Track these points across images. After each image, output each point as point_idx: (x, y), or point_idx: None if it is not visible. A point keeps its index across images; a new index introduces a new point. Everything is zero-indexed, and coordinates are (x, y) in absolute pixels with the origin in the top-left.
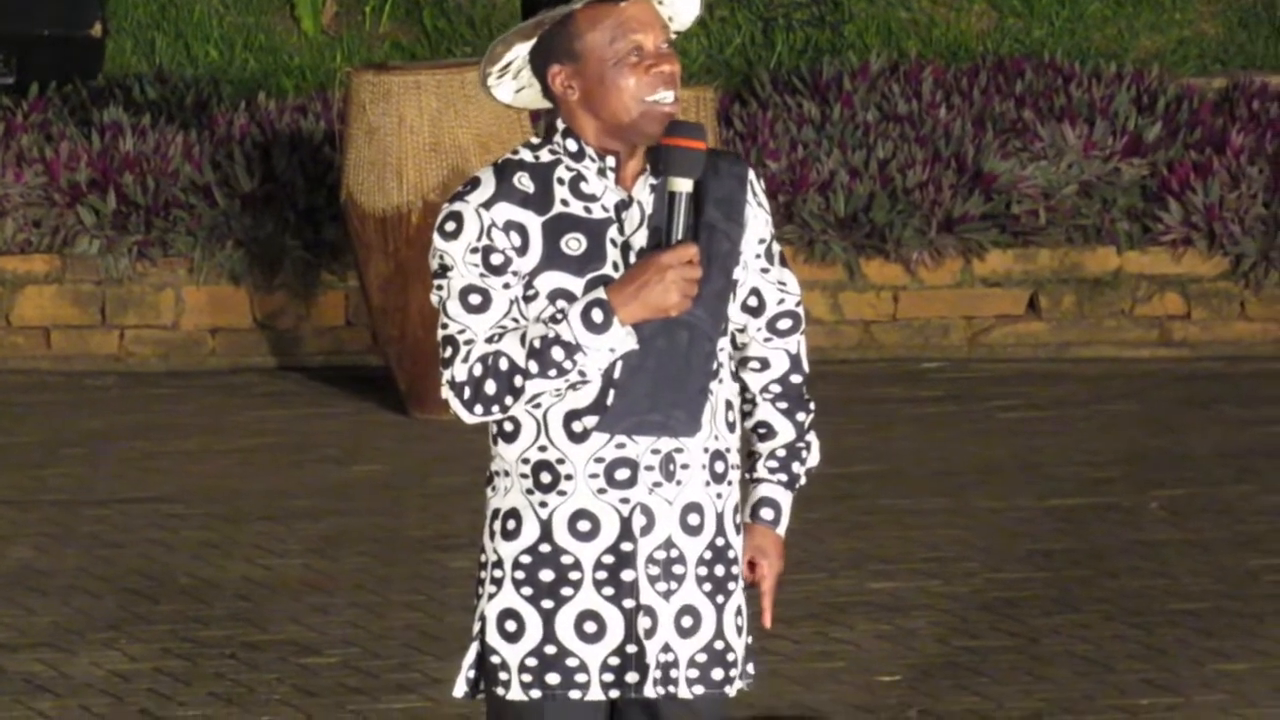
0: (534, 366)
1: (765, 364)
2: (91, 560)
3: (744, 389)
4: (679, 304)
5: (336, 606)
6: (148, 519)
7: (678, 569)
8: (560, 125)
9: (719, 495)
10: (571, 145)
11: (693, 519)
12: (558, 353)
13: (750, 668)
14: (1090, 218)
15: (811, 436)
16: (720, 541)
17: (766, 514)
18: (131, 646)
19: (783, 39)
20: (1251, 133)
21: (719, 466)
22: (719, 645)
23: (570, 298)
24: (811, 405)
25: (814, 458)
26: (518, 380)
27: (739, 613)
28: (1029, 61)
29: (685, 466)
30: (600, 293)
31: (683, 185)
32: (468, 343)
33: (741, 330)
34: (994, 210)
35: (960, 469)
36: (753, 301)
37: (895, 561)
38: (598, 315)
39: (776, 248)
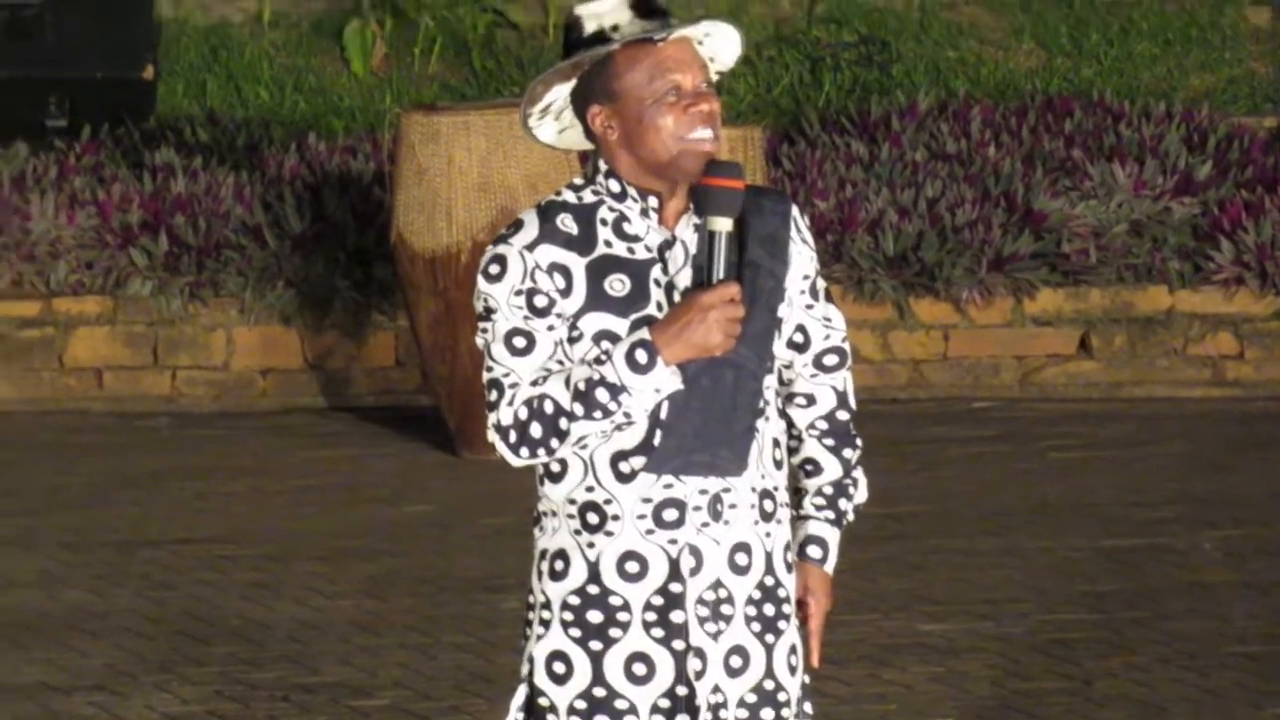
0: (579, 409)
1: (811, 400)
2: (143, 602)
3: (790, 425)
4: (722, 343)
5: (387, 648)
6: (199, 560)
7: (726, 609)
8: (602, 166)
9: (768, 534)
10: (614, 186)
11: (741, 558)
12: (603, 394)
13: (808, 707)
14: (1141, 257)
15: (859, 473)
16: (769, 580)
17: (814, 552)
18: (183, 688)
19: (831, 79)
20: None
21: (767, 505)
22: (769, 685)
23: (615, 339)
24: (858, 442)
25: (861, 494)
26: (563, 423)
27: (793, 651)
28: (1078, 100)
29: (733, 506)
30: (644, 333)
31: (722, 224)
32: (513, 386)
33: (788, 366)
34: (1044, 249)
35: (1012, 509)
36: (798, 338)
37: (947, 603)
38: (642, 356)
39: (821, 284)
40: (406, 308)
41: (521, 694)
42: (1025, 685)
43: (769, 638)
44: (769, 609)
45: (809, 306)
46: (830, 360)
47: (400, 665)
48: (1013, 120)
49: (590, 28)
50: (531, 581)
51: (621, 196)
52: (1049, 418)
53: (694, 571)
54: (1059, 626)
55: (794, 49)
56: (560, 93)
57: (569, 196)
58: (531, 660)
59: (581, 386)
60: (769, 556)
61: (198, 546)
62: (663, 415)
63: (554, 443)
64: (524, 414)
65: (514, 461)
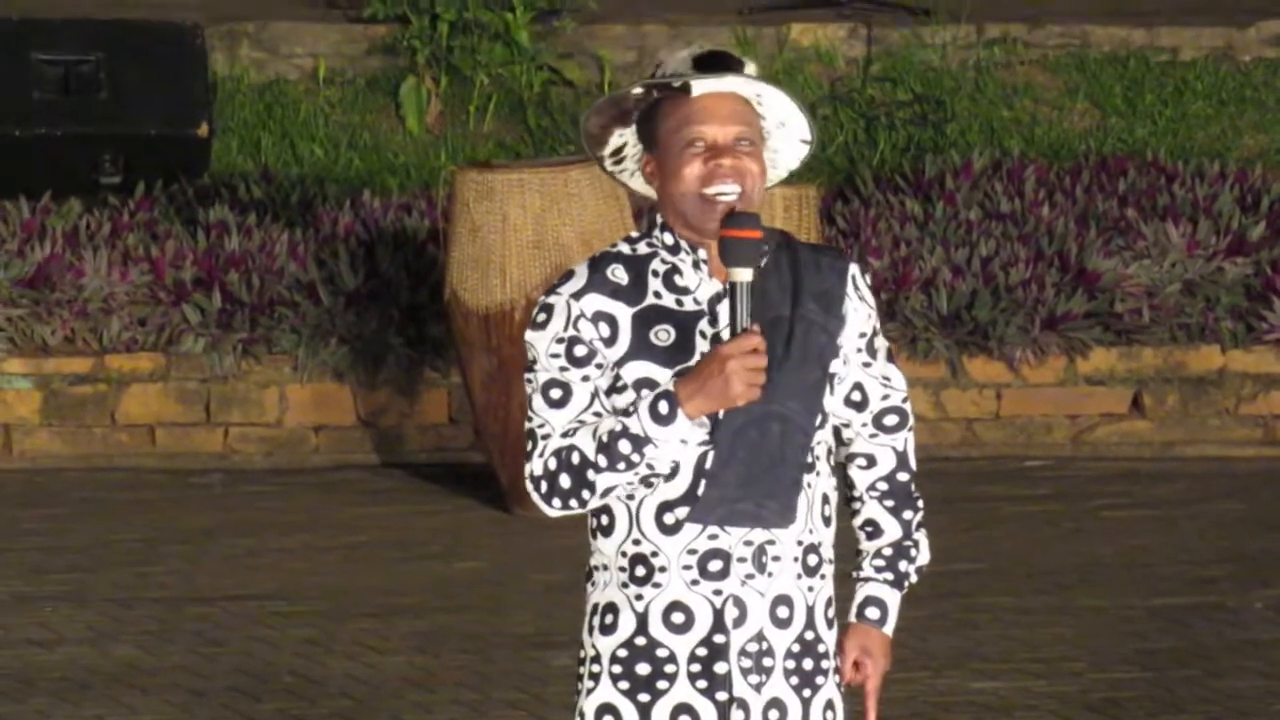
0: (603, 460)
1: (872, 461)
2: (195, 658)
3: (851, 486)
4: (744, 394)
5: (439, 704)
6: (251, 617)
7: (767, 661)
8: (658, 219)
9: (810, 588)
10: (668, 239)
11: (782, 611)
12: (625, 446)
13: None
14: (1194, 316)
15: (920, 535)
16: (810, 635)
17: (872, 613)
18: None
19: (885, 137)
20: None
21: (811, 560)
22: None
23: (654, 386)
24: (919, 503)
25: (924, 557)
26: (589, 474)
27: (829, 707)
28: (1132, 160)
29: (777, 559)
30: (669, 385)
31: (742, 275)
32: (544, 437)
33: (847, 426)
34: (1097, 308)
35: (1064, 568)
36: (856, 396)
37: (999, 661)
38: (664, 407)
39: (881, 343)
40: (460, 365)
41: None
42: None
43: (806, 692)
44: (808, 663)
45: (866, 365)
46: (890, 420)
47: None
48: (1067, 180)
49: (653, 72)
50: (583, 636)
51: (675, 249)
52: (1101, 476)
53: (738, 623)
54: (1110, 685)
55: (849, 107)
56: (628, 137)
57: (623, 248)
58: (582, 715)
59: (605, 438)
60: (810, 611)
61: (249, 603)
62: (708, 465)
63: (584, 494)
64: (553, 465)
65: (548, 512)
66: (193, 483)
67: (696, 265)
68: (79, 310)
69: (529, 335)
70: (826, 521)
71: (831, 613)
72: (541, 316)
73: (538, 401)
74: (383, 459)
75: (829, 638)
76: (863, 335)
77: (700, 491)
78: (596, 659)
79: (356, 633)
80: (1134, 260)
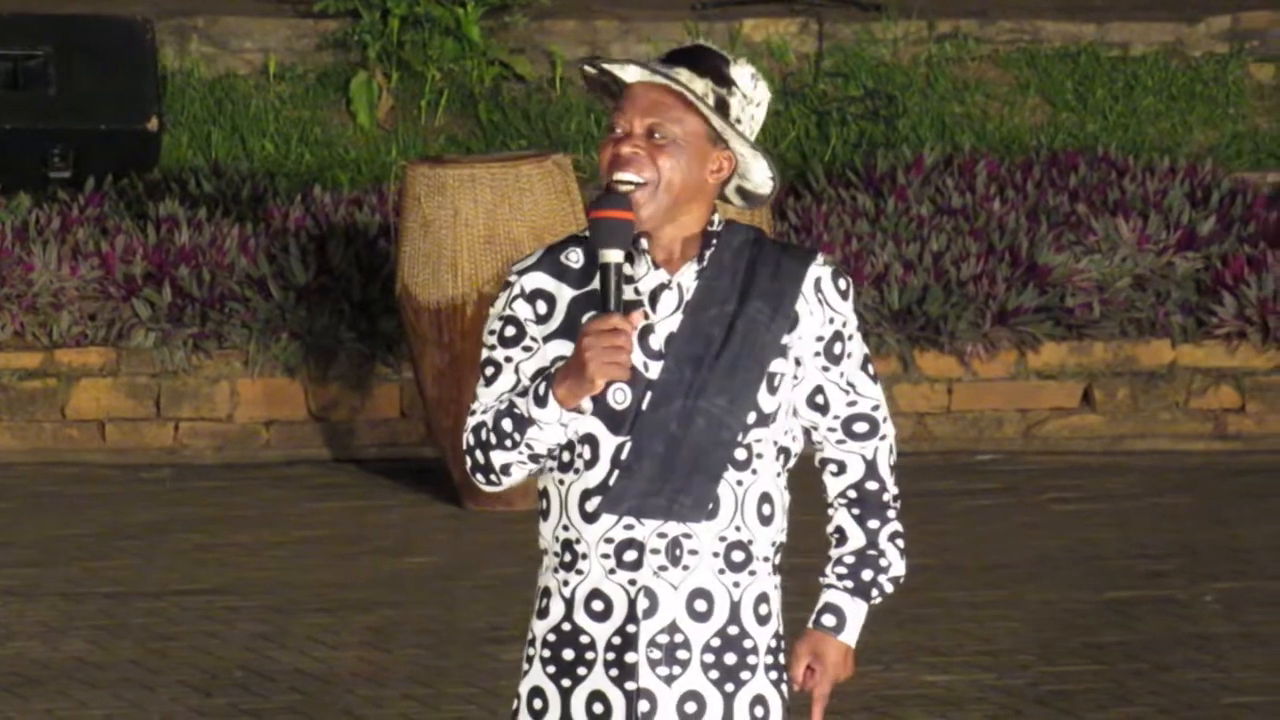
0: (493, 437)
1: (841, 468)
2: (145, 653)
3: (825, 492)
4: (600, 373)
5: (391, 699)
6: (202, 611)
7: (682, 654)
8: None
9: (735, 584)
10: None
11: (700, 605)
12: (508, 424)
13: None
14: (1144, 311)
15: (889, 545)
16: (733, 630)
17: (828, 620)
18: None
19: (837, 132)
20: None
21: (737, 556)
22: None
23: None
24: (891, 514)
25: (895, 568)
26: (491, 451)
27: (758, 702)
28: (1083, 155)
29: (694, 552)
30: (552, 368)
31: (612, 256)
32: (472, 413)
33: (815, 428)
34: (1048, 303)
35: (1014, 561)
36: (819, 399)
37: (949, 654)
38: (541, 389)
39: (850, 349)
40: (411, 360)
41: None
42: None
43: (729, 686)
44: (730, 658)
45: (825, 369)
46: (859, 428)
47: (404, 716)
48: (1018, 175)
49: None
50: (530, 618)
51: (634, 240)
52: (1051, 470)
53: (648, 613)
54: (1060, 678)
55: (800, 103)
56: None
57: (587, 233)
58: (518, 697)
59: (496, 416)
60: (735, 606)
61: (200, 598)
62: (623, 456)
63: (489, 471)
64: (471, 440)
65: (483, 486)
66: (143, 478)
67: (642, 254)
68: (28, 305)
69: (491, 314)
70: (765, 520)
71: (765, 609)
72: (499, 294)
73: (480, 380)
74: (334, 454)
75: (760, 634)
76: (820, 339)
77: (612, 482)
78: (533, 642)
79: (308, 627)
80: (1085, 255)
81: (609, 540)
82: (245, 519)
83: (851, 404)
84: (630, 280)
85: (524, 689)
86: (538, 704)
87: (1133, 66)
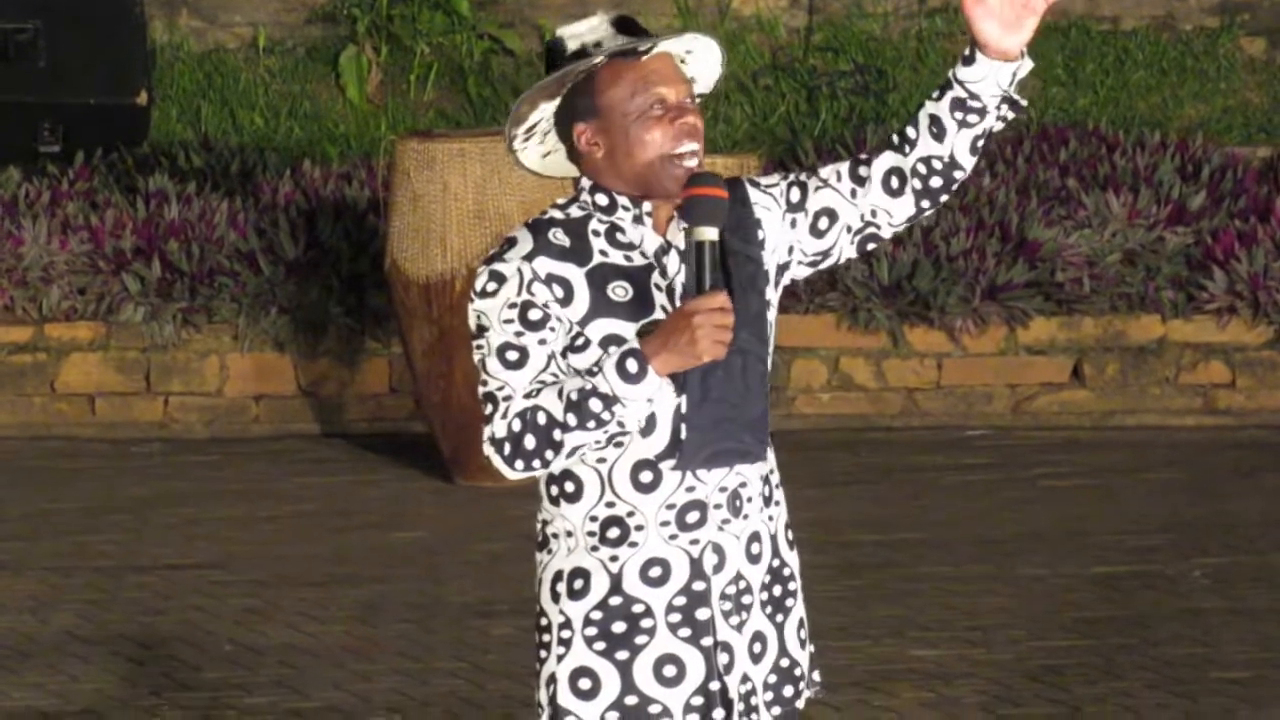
0: (572, 419)
1: (874, 156)
2: (135, 627)
3: (904, 149)
4: (710, 351)
5: (379, 673)
6: (191, 586)
7: (746, 599)
8: (585, 183)
9: (771, 517)
10: (601, 199)
11: (754, 548)
12: (596, 404)
13: (816, 675)
14: (1134, 286)
15: None
16: (776, 563)
17: None
18: (174, 713)
19: (827, 107)
20: None
21: (767, 489)
22: (785, 663)
23: (622, 343)
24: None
25: None
26: (556, 434)
27: (800, 625)
28: (1073, 130)
29: (749, 499)
30: (634, 343)
31: (708, 234)
32: (506, 399)
33: (858, 191)
34: (1038, 278)
35: (1004, 537)
36: (841, 202)
37: (938, 629)
38: (632, 365)
39: (795, 179)
40: (400, 334)
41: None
42: (1015, 711)
43: (779, 617)
44: (777, 590)
45: (815, 191)
46: (855, 170)
47: (392, 691)
48: (1008, 149)
49: (572, 46)
50: (543, 604)
51: (611, 208)
52: (1041, 446)
53: (717, 569)
54: (1049, 653)
55: (790, 78)
56: (545, 112)
57: (555, 214)
58: (554, 680)
59: (574, 397)
60: (774, 539)
61: (189, 572)
62: (683, 411)
63: (548, 454)
64: (518, 426)
65: (509, 475)
66: (133, 452)
67: (638, 220)
68: (18, 279)
69: (479, 304)
70: (770, 445)
71: (790, 534)
72: (492, 285)
73: (493, 365)
74: (323, 428)
75: (791, 560)
76: (790, 207)
77: (682, 438)
78: (566, 624)
79: (297, 602)
80: (1075, 230)
81: (670, 506)
82: (234, 493)
83: (834, 168)
84: (633, 246)
85: (563, 672)
86: (585, 684)
87: (1123, 41)
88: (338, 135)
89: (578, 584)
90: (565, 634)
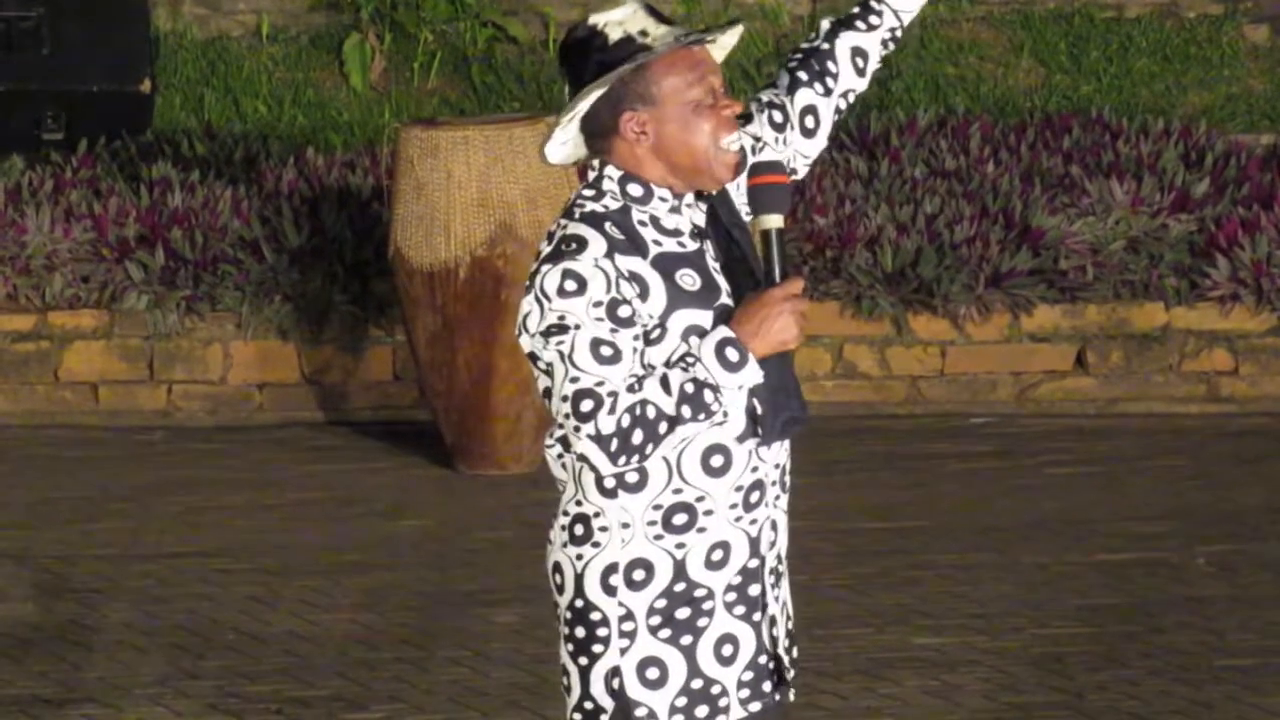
0: (686, 411)
1: (794, 84)
2: (138, 615)
3: (850, 34)
4: (798, 336)
5: (383, 661)
6: (195, 574)
7: (782, 568)
8: (614, 173)
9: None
10: (636, 190)
11: (785, 519)
12: (708, 395)
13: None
14: (1138, 273)
15: None
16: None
17: None
18: (178, 702)
19: None
20: None
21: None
22: (790, 626)
23: (701, 332)
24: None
25: None
26: (663, 427)
27: (785, 591)
28: (1077, 117)
29: (791, 472)
30: (726, 332)
31: (774, 221)
32: (610, 394)
33: (782, 128)
34: (1042, 266)
35: (1007, 524)
36: (810, 120)
37: (942, 617)
38: (733, 354)
39: (768, 102)
40: (404, 322)
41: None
42: (1018, 699)
43: (783, 581)
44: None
45: (791, 96)
46: (771, 116)
47: (395, 679)
48: (1011, 137)
49: (616, 35)
50: (590, 598)
51: (646, 199)
52: (1045, 433)
53: (771, 545)
54: (1052, 640)
55: None
56: (592, 99)
57: (594, 207)
58: (618, 673)
59: (689, 389)
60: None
61: (193, 560)
62: (752, 390)
63: (649, 448)
64: (626, 421)
65: (608, 469)
66: (136, 440)
67: (675, 210)
68: (21, 267)
69: (559, 304)
70: None
71: None
72: (571, 284)
73: (585, 360)
74: (327, 416)
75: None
76: (775, 130)
77: (759, 414)
78: (628, 616)
79: (300, 590)
80: (1078, 217)
81: (739, 488)
82: (238, 482)
83: (791, 81)
84: (679, 233)
85: (628, 664)
86: (653, 673)
87: (1127, 28)
88: (341, 123)
89: (638, 574)
90: (627, 625)
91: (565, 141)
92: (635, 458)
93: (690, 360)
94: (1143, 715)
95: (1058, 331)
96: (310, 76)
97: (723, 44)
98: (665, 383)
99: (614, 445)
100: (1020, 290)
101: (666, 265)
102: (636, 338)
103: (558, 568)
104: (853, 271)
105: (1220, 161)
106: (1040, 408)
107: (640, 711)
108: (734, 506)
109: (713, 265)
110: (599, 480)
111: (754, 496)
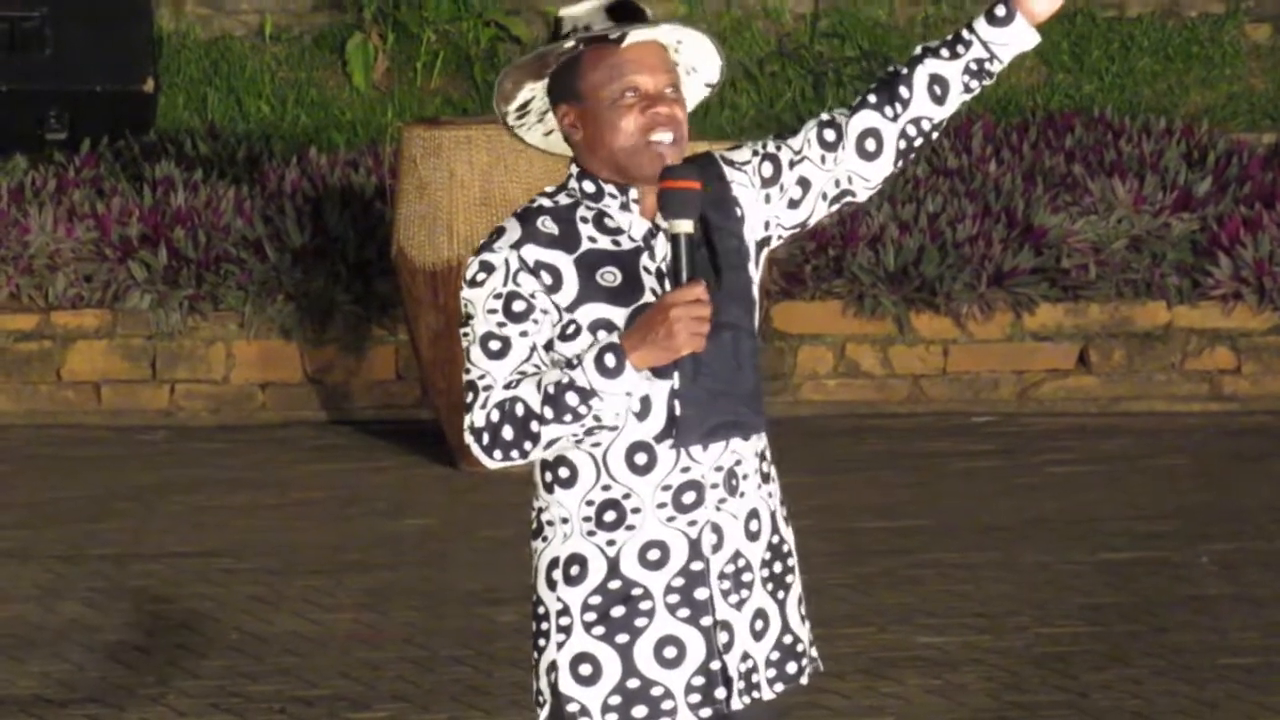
0: (549, 412)
1: (845, 118)
2: (141, 615)
3: (892, 109)
4: (688, 343)
5: (386, 660)
6: (197, 573)
7: (746, 577)
8: (574, 169)
9: (769, 494)
10: (588, 187)
11: (753, 525)
12: (572, 398)
13: (814, 651)
14: (1140, 272)
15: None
16: (775, 539)
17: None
18: (180, 701)
19: (833, 93)
20: None
21: (765, 465)
22: (787, 639)
23: (612, 328)
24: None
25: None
26: (534, 425)
27: (800, 601)
28: (1079, 116)
29: (745, 476)
30: (614, 337)
31: (683, 226)
32: (486, 389)
33: (833, 162)
34: (1044, 264)
35: (1010, 523)
36: (803, 188)
37: (945, 616)
38: (610, 360)
39: (765, 152)
40: (407, 321)
41: (546, 712)
42: (1022, 698)
43: (780, 594)
44: (778, 566)
45: (790, 162)
46: (817, 132)
47: (399, 678)
48: (1014, 136)
49: (565, 28)
50: (540, 592)
51: (598, 195)
52: (1047, 432)
53: (715, 548)
54: (1056, 639)
55: (796, 64)
56: (536, 90)
57: (543, 202)
58: (555, 668)
59: (551, 390)
60: (773, 516)
61: (195, 560)
62: (676, 387)
63: (526, 445)
64: (496, 416)
65: (488, 464)
66: (139, 440)
67: (625, 206)
68: (24, 267)
69: (466, 293)
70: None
71: (785, 510)
72: (481, 275)
73: (476, 353)
74: (330, 416)
75: (789, 535)
76: (765, 181)
77: (678, 415)
78: (564, 611)
79: (303, 589)
80: (1080, 216)
81: (666, 488)
82: (241, 481)
83: (803, 137)
84: (620, 231)
85: (564, 658)
86: (585, 669)
87: (1128, 27)
88: (344, 122)
89: (574, 570)
90: (564, 620)
91: (550, 131)
92: (512, 453)
93: (575, 363)
94: (1146, 714)
95: (1060, 330)
96: (313, 76)
97: (694, 49)
98: (540, 382)
99: (485, 439)
100: (1022, 289)
101: (591, 260)
102: (526, 333)
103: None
104: (855, 270)
105: (1222, 160)
106: (1042, 406)
107: (572, 707)
108: (663, 506)
109: (647, 266)
110: (542, 475)
111: (687, 498)
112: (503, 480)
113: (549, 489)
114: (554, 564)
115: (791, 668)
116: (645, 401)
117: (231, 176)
